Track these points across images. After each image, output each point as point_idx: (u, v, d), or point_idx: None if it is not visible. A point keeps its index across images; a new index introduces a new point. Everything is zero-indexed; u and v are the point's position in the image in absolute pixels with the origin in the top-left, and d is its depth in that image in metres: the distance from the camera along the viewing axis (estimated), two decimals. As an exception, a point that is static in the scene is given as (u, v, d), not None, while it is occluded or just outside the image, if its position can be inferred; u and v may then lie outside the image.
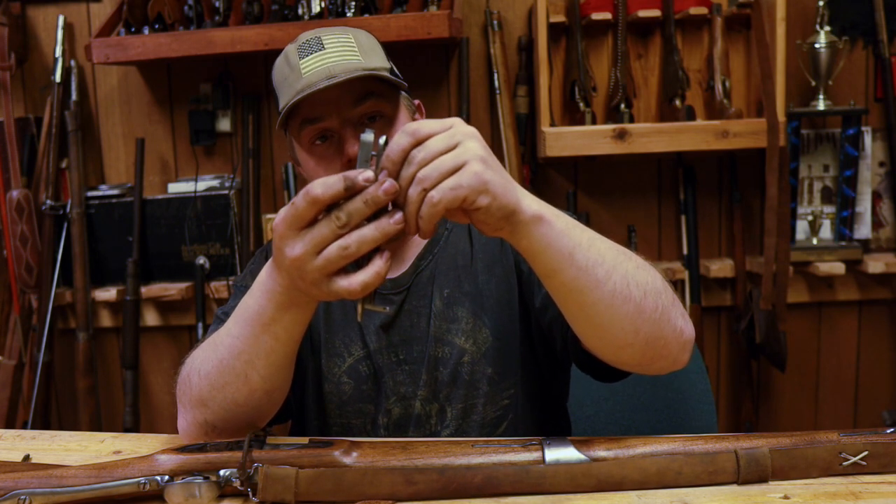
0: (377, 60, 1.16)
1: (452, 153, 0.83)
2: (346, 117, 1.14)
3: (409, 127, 0.85)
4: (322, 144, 1.16)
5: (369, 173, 0.82)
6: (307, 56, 1.13)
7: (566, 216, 0.94)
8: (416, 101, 1.27)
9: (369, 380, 1.22)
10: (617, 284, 0.92)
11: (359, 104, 1.14)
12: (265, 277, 0.94)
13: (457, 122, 0.86)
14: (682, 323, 0.99)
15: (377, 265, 0.84)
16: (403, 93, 1.22)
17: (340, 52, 1.14)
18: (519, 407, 1.22)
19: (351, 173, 0.82)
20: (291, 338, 0.97)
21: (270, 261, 0.93)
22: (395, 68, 1.21)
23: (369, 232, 0.82)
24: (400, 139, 0.84)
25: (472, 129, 0.86)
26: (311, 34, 1.17)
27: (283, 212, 0.85)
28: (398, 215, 0.83)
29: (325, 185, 0.82)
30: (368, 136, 0.83)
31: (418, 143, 0.84)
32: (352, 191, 0.81)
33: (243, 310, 0.98)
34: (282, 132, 1.26)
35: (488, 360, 1.21)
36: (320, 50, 1.13)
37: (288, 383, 1.04)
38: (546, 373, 1.26)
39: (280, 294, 0.92)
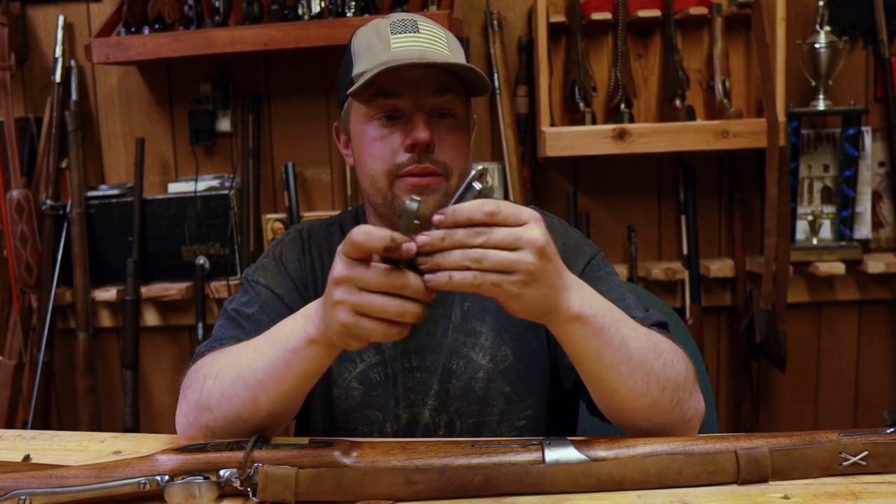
0: (463, 61, 1.15)
1: (512, 255, 0.85)
2: (421, 103, 1.12)
3: (489, 204, 0.85)
4: (387, 122, 1.14)
5: (412, 245, 0.84)
6: (401, 33, 1.12)
7: (607, 313, 0.95)
8: (475, 116, 1.27)
9: (379, 386, 1.21)
10: (637, 381, 0.96)
11: (438, 95, 1.13)
12: (312, 305, 0.96)
13: (531, 223, 0.87)
14: (692, 413, 1.02)
15: (382, 330, 0.87)
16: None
17: (433, 41, 1.13)
18: (538, 428, 1.22)
19: (399, 237, 0.84)
20: (305, 372, 0.97)
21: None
22: None
23: (382, 303, 0.85)
24: (474, 210, 0.85)
25: (540, 239, 0.86)
26: (406, 15, 1.17)
27: (368, 233, 0.85)
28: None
29: (368, 235, 0.84)
30: (412, 205, 0.85)
31: (489, 224, 0.85)
32: (390, 252, 0.84)
33: (279, 329, 0.99)
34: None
35: (507, 378, 1.20)
36: (415, 32, 1.13)
37: (293, 411, 1.04)
38: (561, 395, 1.25)
39: (314, 323, 0.93)
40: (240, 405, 0.99)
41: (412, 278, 0.85)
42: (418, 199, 0.85)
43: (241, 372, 0.99)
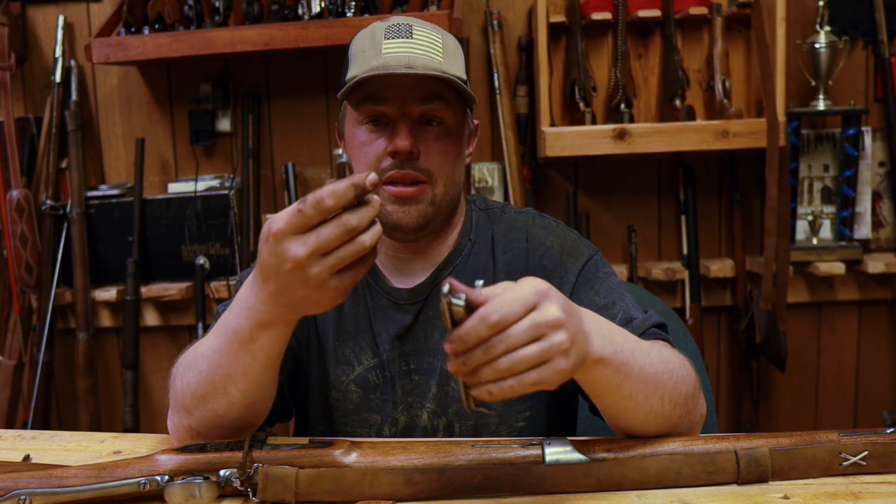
0: (457, 69, 1.15)
1: (538, 346, 0.79)
2: (406, 110, 1.13)
3: (490, 316, 0.77)
4: (374, 127, 1.15)
5: (374, 176, 0.82)
6: (393, 38, 1.12)
7: (624, 346, 0.91)
8: (476, 122, 1.26)
9: (377, 389, 1.21)
10: (653, 405, 0.95)
11: (424, 103, 1.13)
12: (246, 294, 0.91)
13: (542, 302, 0.80)
14: (698, 419, 1.02)
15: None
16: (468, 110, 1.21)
17: (425, 47, 1.13)
18: (536, 429, 1.21)
19: (358, 179, 0.81)
20: (269, 357, 0.95)
21: (252, 276, 0.90)
22: (468, 82, 1.20)
23: (369, 238, 0.83)
24: (478, 328, 0.78)
25: (557, 315, 0.80)
26: (403, 19, 1.16)
27: (284, 217, 0.82)
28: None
29: (335, 194, 0.80)
30: (448, 295, 0.77)
31: (498, 332, 0.78)
32: (361, 195, 0.81)
33: (223, 324, 0.95)
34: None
35: None
36: (408, 37, 1.13)
37: (269, 396, 1.02)
38: (561, 396, 1.25)
39: (260, 312, 0.90)
40: (214, 402, 0.97)
41: (361, 211, 0.82)
42: (447, 288, 0.78)
43: (203, 371, 0.97)
